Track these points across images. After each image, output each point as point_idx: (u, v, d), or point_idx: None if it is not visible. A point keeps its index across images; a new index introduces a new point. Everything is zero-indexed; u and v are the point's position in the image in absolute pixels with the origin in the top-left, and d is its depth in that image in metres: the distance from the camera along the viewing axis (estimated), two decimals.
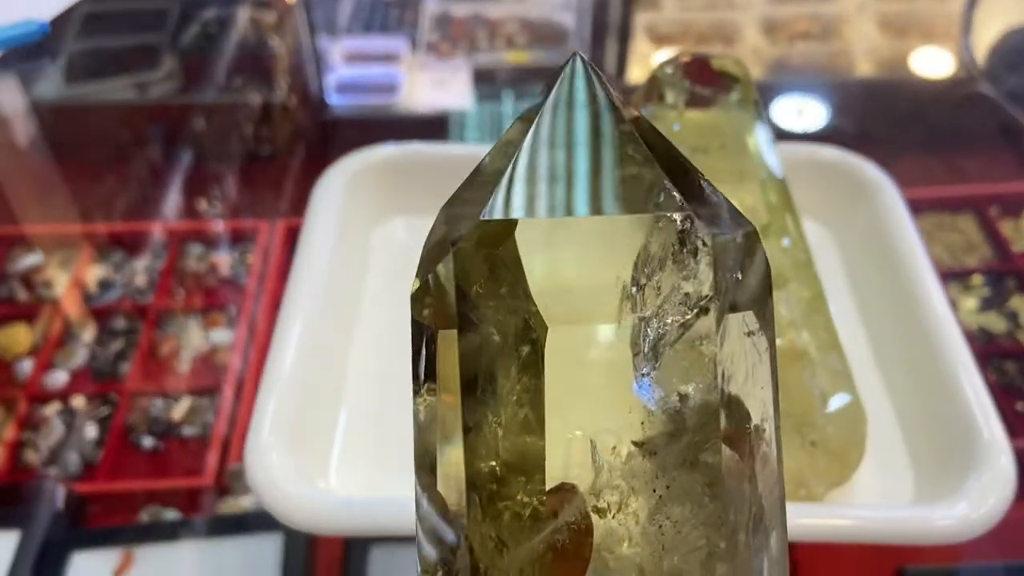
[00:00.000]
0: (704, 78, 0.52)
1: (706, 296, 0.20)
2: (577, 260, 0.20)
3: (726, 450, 0.20)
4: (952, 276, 0.80)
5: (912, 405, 0.42)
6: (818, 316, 0.42)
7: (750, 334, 0.21)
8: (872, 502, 0.39)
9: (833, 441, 0.38)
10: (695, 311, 0.20)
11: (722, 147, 0.49)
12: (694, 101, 0.51)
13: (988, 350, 0.75)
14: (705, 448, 0.20)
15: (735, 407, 0.20)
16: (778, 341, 0.40)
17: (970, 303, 0.78)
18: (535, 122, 0.21)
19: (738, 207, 0.46)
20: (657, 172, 0.20)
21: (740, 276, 0.21)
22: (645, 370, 0.20)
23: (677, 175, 0.21)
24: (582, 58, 0.22)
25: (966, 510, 0.35)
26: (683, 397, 0.20)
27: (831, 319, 0.42)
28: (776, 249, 0.43)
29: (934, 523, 0.35)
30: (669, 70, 0.51)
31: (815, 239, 0.47)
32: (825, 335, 0.41)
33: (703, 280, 0.20)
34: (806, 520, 0.36)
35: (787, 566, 0.22)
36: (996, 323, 0.77)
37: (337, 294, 0.49)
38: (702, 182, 0.21)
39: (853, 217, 0.51)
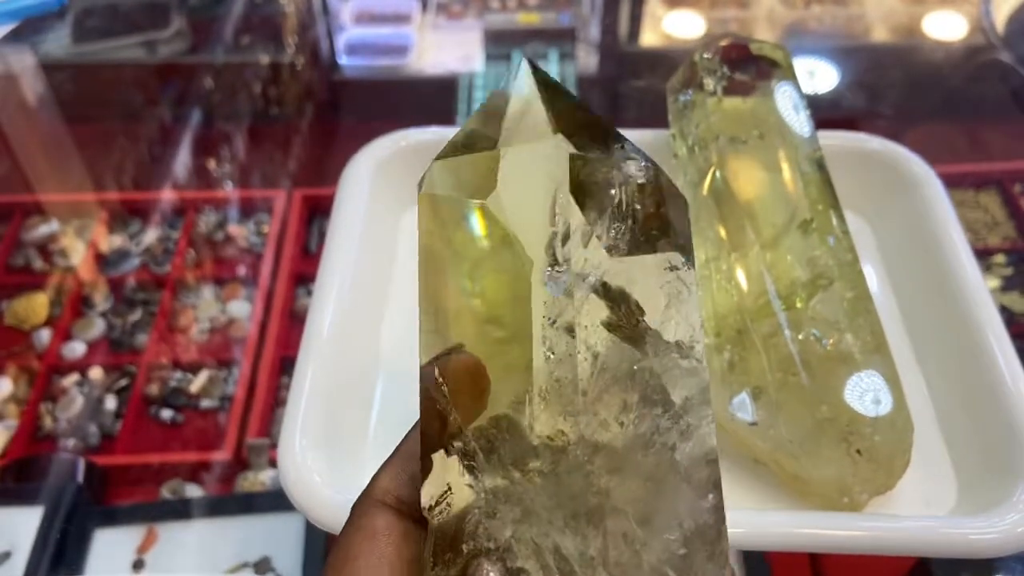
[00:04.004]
0: (743, 63, 0.51)
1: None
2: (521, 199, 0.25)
3: (610, 336, 0.24)
4: (974, 255, 0.80)
5: (957, 411, 0.42)
6: (863, 318, 0.41)
7: (673, 268, 0.25)
8: (915, 511, 0.39)
9: (879, 449, 0.38)
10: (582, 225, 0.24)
11: (761, 137, 0.48)
12: (733, 88, 0.50)
13: (1009, 331, 0.74)
14: (588, 327, 0.24)
15: (618, 299, 0.24)
16: (823, 343, 0.40)
17: (992, 283, 0.78)
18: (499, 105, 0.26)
19: (778, 199, 0.45)
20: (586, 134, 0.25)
21: (640, 209, 0.25)
22: (556, 270, 0.24)
23: (597, 135, 0.26)
24: (529, 60, 0.26)
25: (1013, 522, 0.35)
26: (579, 277, 0.24)
27: (878, 320, 0.41)
28: (821, 248, 0.43)
29: (980, 536, 0.35)
30: (708, 56, 0.50)
31: (852, 230, 0.47)
32: (871, 338, 0.40)
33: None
34: (844, 532, 0.36)
35: (711, 473, 0.24)
36: (1018, 303, 0.76)
37: (367, 283, 0.48)
38: (624, 142, 0.26)
39: (894, 210, 0.50)
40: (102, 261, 0.83)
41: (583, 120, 0.26)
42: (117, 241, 0.84)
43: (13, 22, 0.58)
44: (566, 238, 0.24)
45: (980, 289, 0.44)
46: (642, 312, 0.24)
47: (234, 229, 0.86)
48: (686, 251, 0.25)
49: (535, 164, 0.25)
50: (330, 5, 1.16)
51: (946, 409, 0.43)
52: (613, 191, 0.25)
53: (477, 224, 0.25)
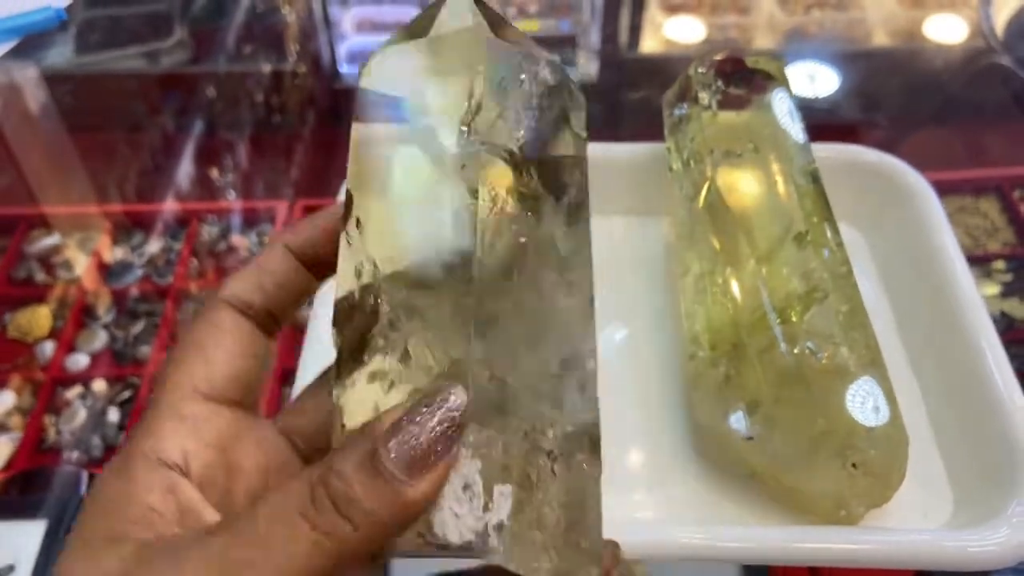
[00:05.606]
0: (738, 77, 0.51)
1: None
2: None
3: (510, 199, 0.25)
4: (974, 261, 0.79)
5: (952, 424, 0.42)
6: (858, 331, 0.41)
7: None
8: (911, 524, 0.39)
9: (875, 463, 0.38)
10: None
11: (755, 150, 0.48)
12: (728, 102, 0.50)
13: (1009, 337, 0.74)
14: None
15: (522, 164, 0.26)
16: (819, 357, 0.40)
17: (992, 289, 0.78)
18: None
19: (773, 212, 0.45)
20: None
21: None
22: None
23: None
24: None
25: (1008, 534, 0.35)
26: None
27: (872, 333, 0.42)
28: (816, 261, 0.43)
29: (976, 548, 0.35)
30: (703, 70, 0.51)
31: (846, 242, 0.47)
32: (866, 351, 0.41)
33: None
34: (841, 545, 0.36)
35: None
36: (1018, 309, 0.76)
37: None
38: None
39: (888, 222, 0.50)
40: (105, 272, 0.83)
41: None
42: (119, 252, 0.85)
43: (15, 39, 0.58)
44: (474, 114, 0.26)
45: (975, 301, 0.44)
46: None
47: (237, 239, 0.86)
48: (579, 139, 0.28)
49: (455, 48, 0.27)
50: (331, 14, 1.17)
51: (941, 422, 0.43)
52: (523, 76, 0.27)
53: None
